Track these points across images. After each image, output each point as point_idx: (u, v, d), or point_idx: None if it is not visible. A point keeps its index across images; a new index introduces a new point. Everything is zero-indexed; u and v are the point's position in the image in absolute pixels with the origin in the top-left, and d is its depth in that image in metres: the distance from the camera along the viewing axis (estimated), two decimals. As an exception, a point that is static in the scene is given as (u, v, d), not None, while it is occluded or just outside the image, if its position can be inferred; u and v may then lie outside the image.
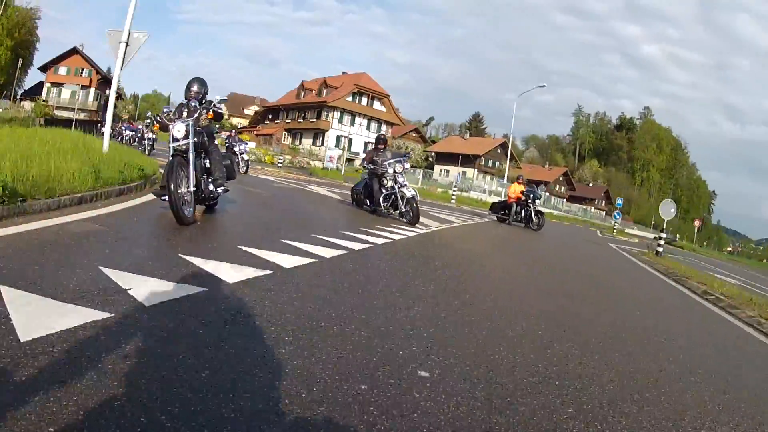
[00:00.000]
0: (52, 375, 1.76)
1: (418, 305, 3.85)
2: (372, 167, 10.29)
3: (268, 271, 3.76)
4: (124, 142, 19.60)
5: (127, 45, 9.62)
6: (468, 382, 2.51)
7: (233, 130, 21.86)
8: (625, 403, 2.64)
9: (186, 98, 5.80)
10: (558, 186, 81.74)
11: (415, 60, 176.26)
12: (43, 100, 46.65)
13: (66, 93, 49.92)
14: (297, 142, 57.77)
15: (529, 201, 15.98)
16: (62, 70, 50.46)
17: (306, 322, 2.88)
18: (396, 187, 9.87)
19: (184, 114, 5.63)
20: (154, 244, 4.50)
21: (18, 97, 51.50)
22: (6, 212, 4.15)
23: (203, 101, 5.79)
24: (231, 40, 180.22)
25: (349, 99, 54.59)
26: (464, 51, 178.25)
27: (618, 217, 38.14)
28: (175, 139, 5.28)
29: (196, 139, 5.41)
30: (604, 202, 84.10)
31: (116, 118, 49.36)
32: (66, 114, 42.73)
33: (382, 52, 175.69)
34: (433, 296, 4.32)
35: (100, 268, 3.07)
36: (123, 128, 23.05)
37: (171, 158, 5.21)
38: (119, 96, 60.83)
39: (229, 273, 3.51)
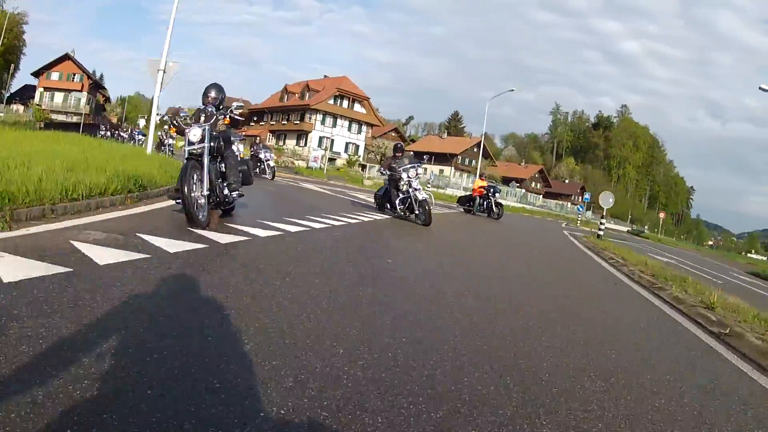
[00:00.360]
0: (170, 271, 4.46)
1: (388, 238, 6.95)
2: (390, 173, 11.09)
3: (308, 228, 6.60)
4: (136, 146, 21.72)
5: (164, 72, 12.19)
6: (413, 268, 5.36)
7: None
8: (503, 300, 5.44)
9: (203, 104, 5.95)
10: (534, 183, 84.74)
11: (396, 59, 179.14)
12: (37, 104, 48.22)
13: (59, 97, 51.70)
14: (281, 143, 60.11)
15: (490, 194, 18.88)
16: (54, 76, 52.30)
17: (334, 243, 5.82)
18: (410, 190, 10.63)
19: (202, 119, 5.74)
20: (243, 211, 7.13)
21: (4, 101, 52.32)
22: (140, 196, 6.74)
23: (220, 107, 5.98)
24: (211, 40, 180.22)
25: (331, 102, 57.25)
26: (445, 49, 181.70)
27: (581, 209, 41.48)
28: (191, 143, 5.42)
29: (212, 144, 5.54)
30: (580, 198, 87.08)
31: (107, 121, 51.09)
32: (60, 117, 44.39)
33: (362, 51, 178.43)
34: (394, 234, 7.15)
35: (225, 223, 5.74)
36: (135, 133, 25.23)
37: (185, 162, 5.35)
38: (107, 99, 62.31)
39: (291, 228, 6.29)
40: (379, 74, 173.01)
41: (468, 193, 24.97)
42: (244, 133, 52.50)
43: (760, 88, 28.12)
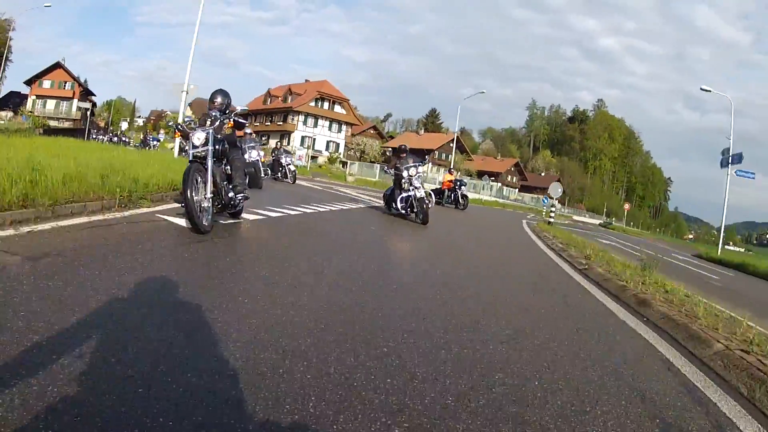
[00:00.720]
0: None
1: (369, 217, 9.92)
2: (395, 173, 11.29)
3: (314, 211, 9.66)
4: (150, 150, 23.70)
5: (186, 93, 14.98)
6: (390, 237, 8.43)
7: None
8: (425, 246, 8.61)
9: (209, 109, 6.12)
10: (510, 177, 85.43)
11: (374, 57, 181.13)
12: (30, 111, 49.86)
13: (51, 104, 53.65)
14: (265, 143, 62.68)
15: (457, 187, 21.88)
16: (46, 84, 54.44)
17: (329, 221, 8.88)
18: (411, 189, 10.83)
19: (207, 124, 5.83)
20: (274, 197, 10.06)
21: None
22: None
23: (226, 111, 6.08)
24: (189, 42, 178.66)
25: (312, 104, 60.18)
26: (423, 47, 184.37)
27: (546, 201, 44.47)
28: (195, 146, 5.53)
29: (216, 147, 5.63)
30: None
31: (96, 126, 52.99)
32: (53, 124, 46.21)
33: (340, 50, 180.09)
34: (376, 217, 10.23)
35: (267, 206, 8.73)
36: (150, 139, 27.50)
37: (189, 164, 5.36)
38: (94, 105, 63.96)
39: (304, 210, 9.26)
40: (358, 72, 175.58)
41: (440, 186, 28.15)
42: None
43: (701, 88, 31.57)
